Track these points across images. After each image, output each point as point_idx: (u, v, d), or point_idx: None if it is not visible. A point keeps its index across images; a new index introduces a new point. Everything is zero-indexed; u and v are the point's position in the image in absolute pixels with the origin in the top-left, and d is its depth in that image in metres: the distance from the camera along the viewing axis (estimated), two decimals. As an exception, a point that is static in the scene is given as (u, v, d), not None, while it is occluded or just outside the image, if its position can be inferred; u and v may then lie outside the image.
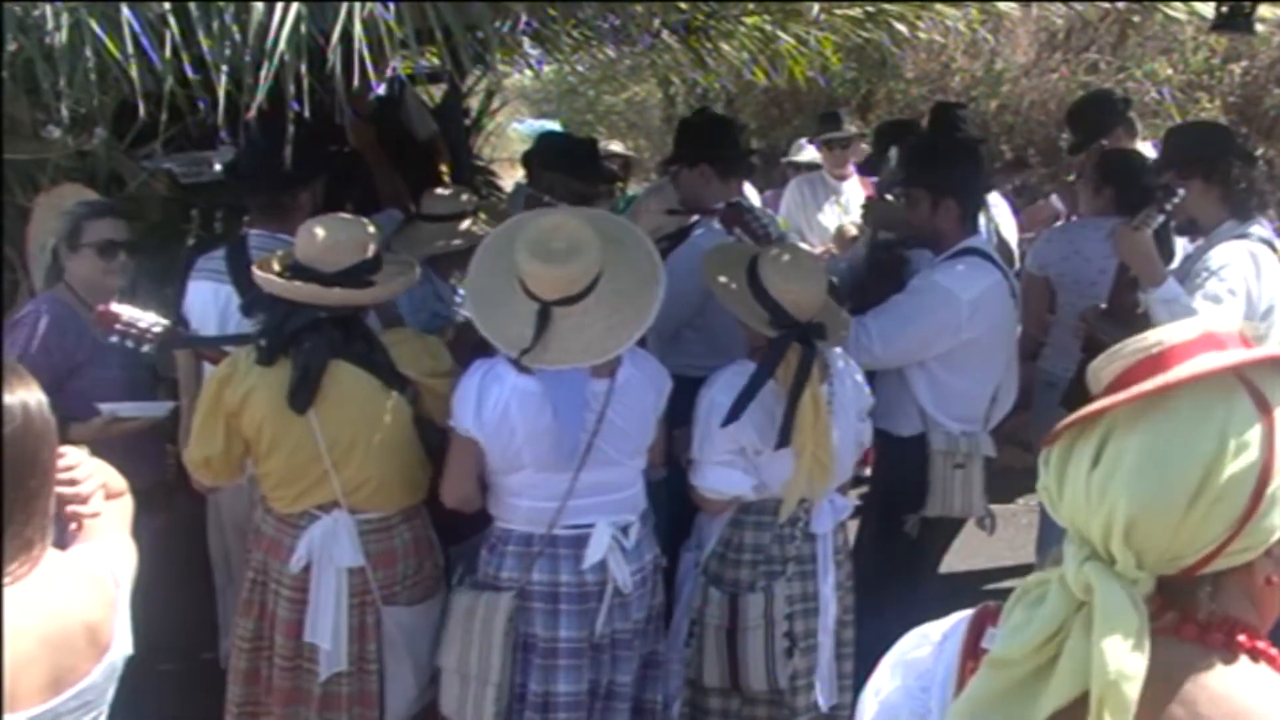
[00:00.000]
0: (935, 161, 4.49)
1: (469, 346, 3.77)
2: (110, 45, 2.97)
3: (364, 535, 3.52)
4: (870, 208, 5.36)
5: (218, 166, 5.06)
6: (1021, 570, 5.90)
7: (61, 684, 1.99)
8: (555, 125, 12.91)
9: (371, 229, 3.52)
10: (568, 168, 5.27)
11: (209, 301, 4.08)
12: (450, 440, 3.48)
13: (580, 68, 9.32)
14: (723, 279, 3.73)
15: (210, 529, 4.39)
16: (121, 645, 2.11)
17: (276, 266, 3.49)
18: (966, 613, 1.63)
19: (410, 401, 3.52)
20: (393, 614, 3.57)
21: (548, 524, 3.49)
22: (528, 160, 5.73)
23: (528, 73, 8.69)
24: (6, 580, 1.93)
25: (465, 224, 4.65)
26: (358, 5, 2.87)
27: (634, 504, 3.61)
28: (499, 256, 3.46)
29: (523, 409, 3.36)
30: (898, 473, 4.34)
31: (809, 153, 8.06)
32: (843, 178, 7.48)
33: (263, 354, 3.40)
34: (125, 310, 3.61)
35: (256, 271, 3.48)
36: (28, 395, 2.03)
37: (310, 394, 3.39)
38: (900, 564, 4.34)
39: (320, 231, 3.41)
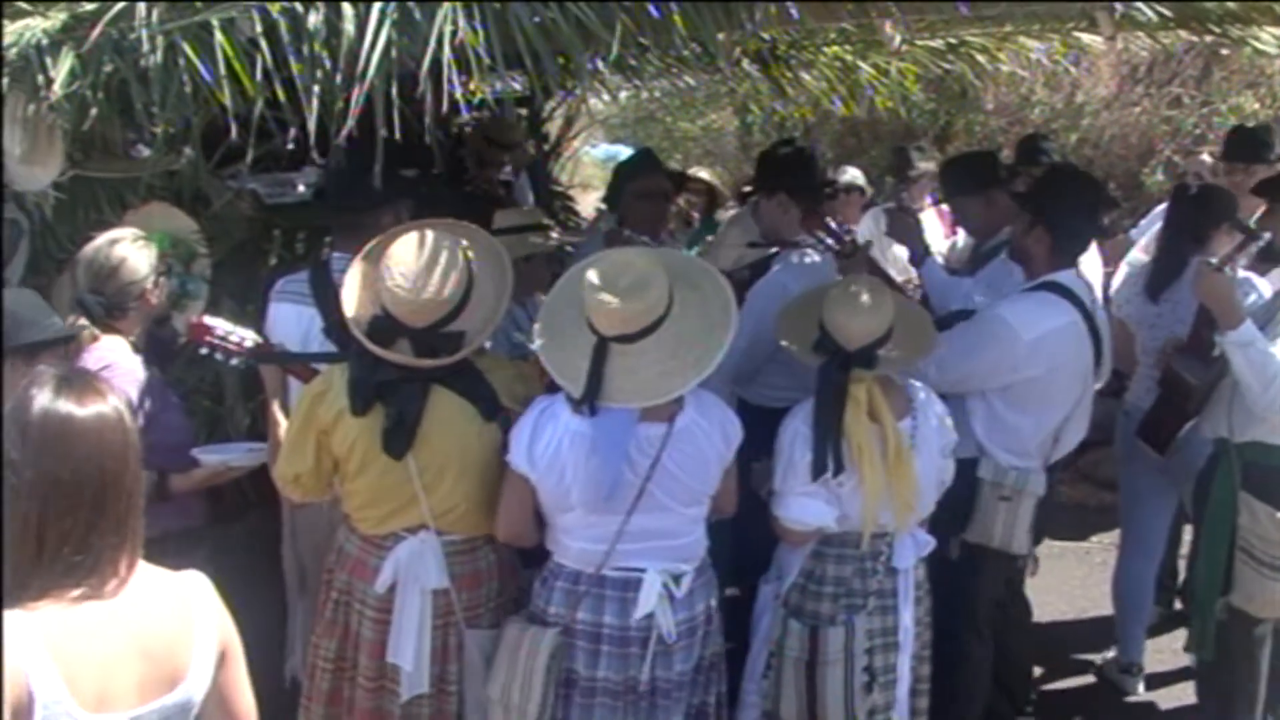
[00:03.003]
0: (1043, 188, 4.53)
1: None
2: (202, 68, 3.02)
3: (450, 557, 3.51)
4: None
5: (301, 188, 5.12)
6: (1094, 611, 5.83)
7: (148, 694, 1.99)
8: (628, 150, 12.92)
9: (459, 267, 3.39)
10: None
11: (291, 324, 4.09)
12: (505, 475, 3.46)
13: (658, 94, 9.34)
14: (799, 328, 3.75)
15: (285, 545, 4.41)
16: (197, 682, 2.08)
17: (362, 304, 3.46)
18: None
19: (501, 427, 3.48)
20: (475, 637, 3.56)
21: (596, 565, 3.45)
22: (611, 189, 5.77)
23: (604, 97, 8.71)
24: (95, 595, 1.93)
25: (533, 237, 4.66)
26: (448, 30, 2.89)
27: (688, 553, 3.54)
28: (574, 288, 3.44)
29: (573, 449, 3.32)
30: (946, 494, 4.28)
31: (850, 175, 7.97)
32: (918, 210, 7.43)
33: (355, 405, 3.37)
34: (218, 324, 3.64)
35: (351, 326, 3.45)
36: (103, 407, 2.00)
37: (405, 443, 3.38)
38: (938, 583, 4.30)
39: (409, 290, 3.30)
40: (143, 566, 2.07)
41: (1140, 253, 5.82)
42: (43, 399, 1.98)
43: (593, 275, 3.32)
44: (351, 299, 3.49)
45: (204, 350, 3.65)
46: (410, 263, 3.32)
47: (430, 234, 3.41)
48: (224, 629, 2.17)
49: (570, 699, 3.48)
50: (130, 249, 3.86)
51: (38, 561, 1.92)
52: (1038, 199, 4.38)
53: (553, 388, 3.50)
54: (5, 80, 3.21)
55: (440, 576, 3.49)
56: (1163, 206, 5.82)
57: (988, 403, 4.22)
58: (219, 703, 2.15)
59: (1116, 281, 5.65)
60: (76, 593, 1.94)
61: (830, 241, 4.65)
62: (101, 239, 3.87)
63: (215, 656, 2.13)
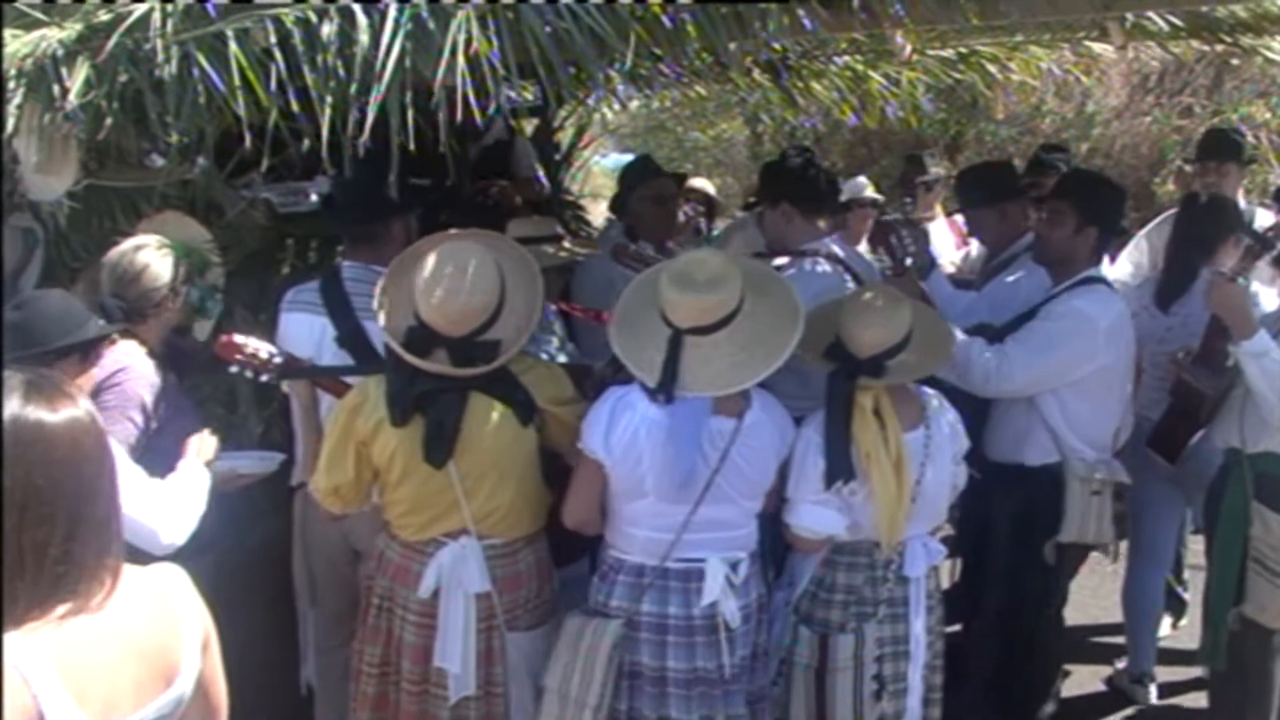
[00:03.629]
0: (1095, 188, 4.61)
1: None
2: (217, 79, 3.04)
3: (490, 560, 3.56)
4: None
5: (314, 197, 5.14)
6: (1105, 619, 5.81)
7: (146, 695, 1.96)
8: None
9: (493, 276, 3.44)
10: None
11: (304, 334, 4.09)
12: (578, 462, 3.53)
13: (668, 103, 9.35)
14: (805, 347, 3.74)
15: (295, 553, 4.42)
16: (189, 675, 2.05)
17: (396, 315, 3.49)
18: None
19: (537, 429, 3.56)
20: (514, 639, 3.61)
21: (661, 555, 3.53)
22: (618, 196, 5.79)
23: (614, 106, 8.73)
24: (84, 608, 1.88)
25: (549, 248, 4.67)
26: (461, 39, 2.90)
27: (745, 542, 3.63)
28: (648, 289, 3.56)
29: (650, 437, 3.41)
30: (1030, 503, 4.38)
31: (860, 186, 7.97)
32: (928, 219, 7.43)
33: (395, 416, 3.41)
34: (247, 341, 3.66)
35: (387, 337, 3.48)
36: (75, 411, 1.92)
37: (446, 451, 3.43)
38: (1038, 595, 4.46)
39: (445, 300, 3.36)
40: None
41: (1126, 263, 5.85)
42: (12, 405, 1.89)
43: (670, 272, 3.47)
44: (384, 310, 3.53)
45: (234, 368, 3.67)
46: (446, 272, 3.37)
47: (462, 244, 3.48)
48: (204, 617, 2.14)
49: (640, 690, 3.56)
50: (154, 256, 3.88)
51: (20, 575, 1.85)
52: (1089, 202, 4.44)
53: (583, 389, 3.60)
54: (20, 91, 3.23)
55: (483, 580, 3.53)
56: (1162, 216, 5.84)
57: (1060, 400, 4.31)
58: (201, 692, 2.11)
59: None
60: (64, 608, 1.87)
61: (887, 259, 4.66)
62: (126, 244, 3.89)
63: (200, 646, 2.09)
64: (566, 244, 4.77)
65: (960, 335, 4.26)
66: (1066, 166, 6.26)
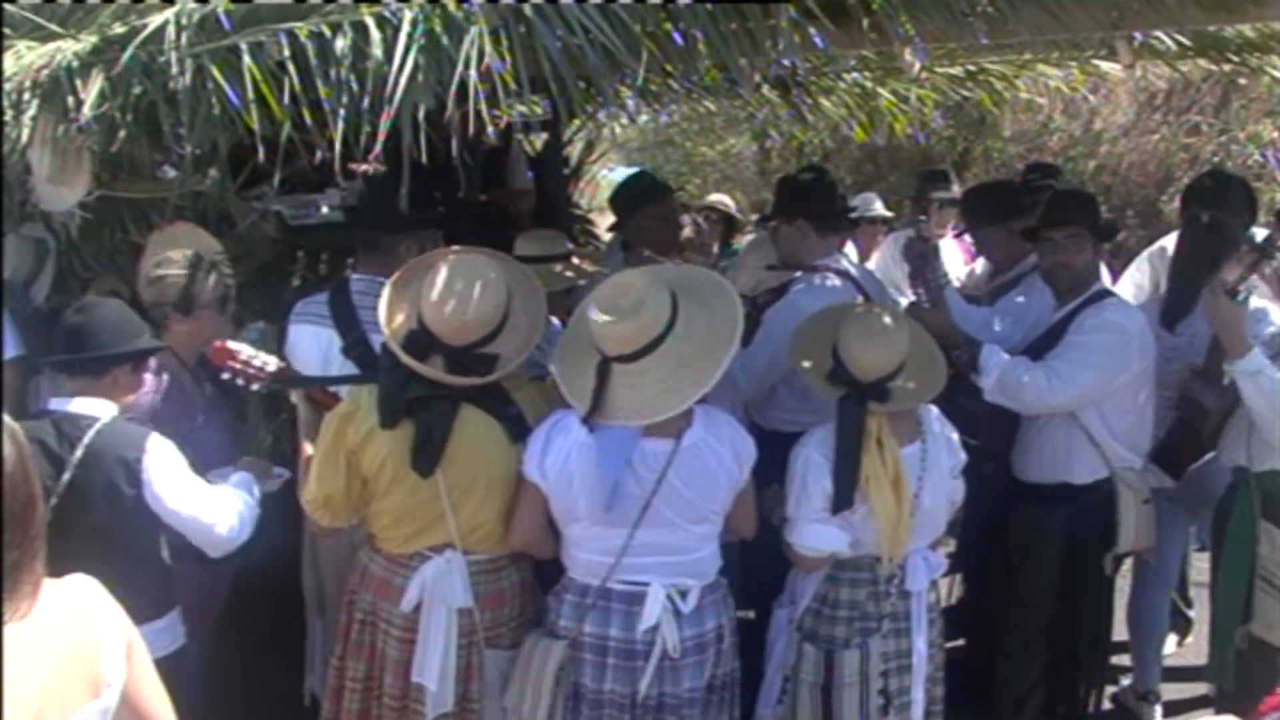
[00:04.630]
0: (1094, 208, 4.73)
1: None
2: (230, 92, 3.06)
3: (474, 576, 3.55)
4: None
5: (325, 209, 5.16)
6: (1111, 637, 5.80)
7: (71, 706, 1.92)
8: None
9: (501, 292, 3.48)
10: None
11: (311, 345, 4.11)
12: (520, 484, 3.52)
13: (677, 118, 9.36)
14: (806, 363, 3.76)
15: (304, 564, 4.43)
16: (113, 693, 2.01)
17: (399, 319, 3.52)
18: None
19: (525, 446, 3.55)
20: (494, 657, 3.60)
21: (602, 577, 3.50)
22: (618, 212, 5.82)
23: (623, 120, 8.76)
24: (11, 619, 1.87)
25: (558, 267, 4.69)
26: (474, 54, 2.92)
27: (695, 569, 3.56)
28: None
29: (581, 460, 3.39)
30: (1080, 519, 4.42)
31: (868, 202, 7.99)
32: (940, 237, 7.42)
33: (385, 416, 3.42)
34: (242, 348, 3.67)
35: (386, 337, 3.50)
36: (13, 432, 1.92)
37: (434, 459, 3.43)
38: (1094, 608, 4.56)
39: (450, 306, 3.39)
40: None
41: (1128, 284, 5.85)
42: None
43: (595, 297, 3.43)
44: (387, 312, 3.55)
45: (226, 375, 3.69)
46: (455, 282, 3.41)
47: (475, 258, 3.52)
48: (125, 627, 2.10)
49: (579, 711, 3.52)
50: (171, 268, 3.96)
51: None
52: (1095, 222, 4.58)
53: (565, 405, 3.56)
54: (35, 102, 3.25)
55: (465, 595, 3.52)
56: (1166, 238, 5.84)
57: (1102, 413, 4.36)
58: (128, 703, 2.07)
59: None
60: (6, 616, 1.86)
61: (921, 293, 4.66)
62: (165, 255, 3.96)
63: (124, 655, 2.06)
64: (575, 260, 4.78)
65: (1006, 357, 4.30)
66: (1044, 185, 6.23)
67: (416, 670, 3.51)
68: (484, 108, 2.92)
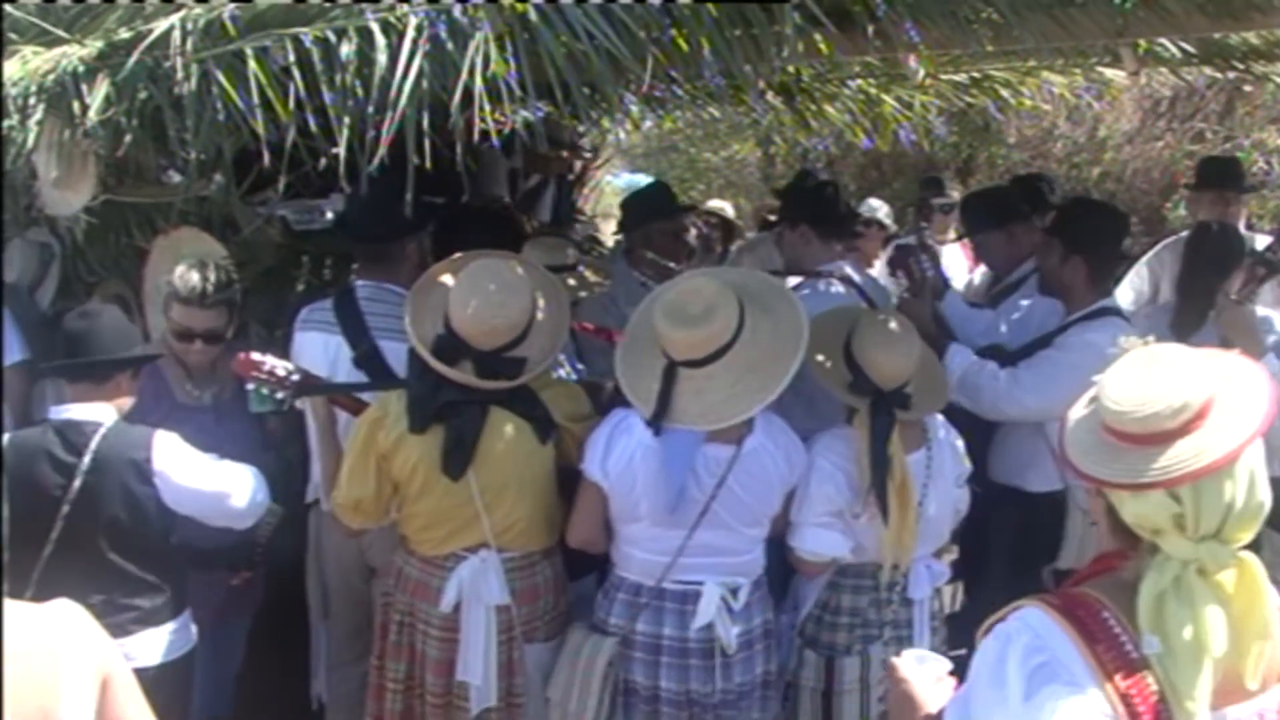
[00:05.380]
0: (1072, 219, 4.59)
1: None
2: (236, 96, 3.06)
3: (509, 573, 3.60)
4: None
5: (329, 214, 5.16)
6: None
7: None
8: (647, 179, 12.94)
9: (526, 295, 3.53)
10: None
11: (319, 353, 4.11)
12: (580, 484, 3.56)
13: (681, 124, 9.36)
14: (820, 356, 3.75)
15: (309, 568, 4.43)
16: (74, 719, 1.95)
17: (425, 325, 3.55)
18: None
19: (554, 444, 3.61)
20: (532, 651, 3.65)
21: (657, 577, 3.54)
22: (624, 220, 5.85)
23: (627, 126, 8.77)
24: None
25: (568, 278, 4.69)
26: (479, 60, 2.92)
27: (747, 568, 3.63)
28: (650, 315, 3.57)
29: (645, 462, 3.43)
30: (1029, 528, 4.40)
31: (872, 208, 7.98)
32: (943, 242, 7.43)
33: (415, 422, 3.46)
34: (265, 359, 3.68)
35: (415, 344, 3.53)
36: None
37: (465, 463, 3.47)
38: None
39: (479, 311, 3.43)
40: (6, 603, 1.94)
41: (1127, 289, 5.85)
42: None
43: (664, 302, 3.47)
44: (412, 318, 3.58)
45: (250, 385, 3.70)
46: (483, 286, 3.45)
47: (496, 262, 3.57)
48: (103, 657, 2.04)
49: (634, 707, 3.59)
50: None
51: None
52: (1071, 230, 4.43)
53: (599, 406, 3.64)
54: (40, 107, 3.25)
55: (502, 592, 3.57)
56: (1164, 243, 5.84)
57: None
58: None
59: None
60: None
61: (905, 281, 4.68)
62: (182, 266, 4.00)
63: (94, 689, 2.00)
64: (580, 269, 4.78)
65: (972, 357, 4.27)
66: (1052, 193, 6.23)
67: (461, 669, 3.56)
68: (489, 114, 2.92)
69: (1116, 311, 4.42)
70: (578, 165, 7.84)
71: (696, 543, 3.49)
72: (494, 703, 3.58)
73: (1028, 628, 2.01)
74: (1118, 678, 1.89)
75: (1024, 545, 4.41)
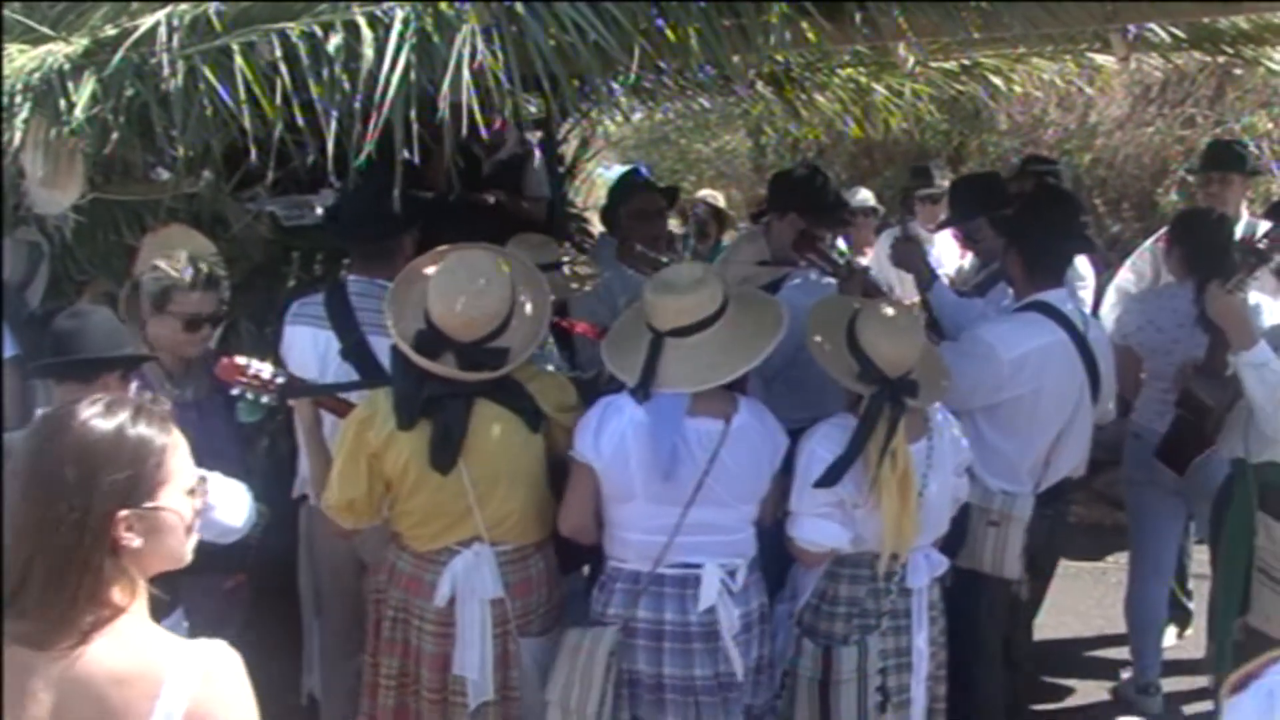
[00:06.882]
0: (1016, 210, 4.67)
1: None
2: (223, 92, 3.05)
3: (503, 566, 3.60)
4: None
5: (319, 210, 5.15)
6: (1111, 630, 5.81)
7: None
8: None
9: (505, 285, 3.52)
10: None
11: (308, 347, 4.11)
12: (571, 469, 3.57)
13: (671, 115, 9.35)
14: (818, 337, 3.74)
15: (301, 565, 4.43)
16: None
17: (406, 320, 3.54)
18: None
19: (544, 436, 3.62)
20: (526, 644, 3.65)
21: (655, 559, 3.55)
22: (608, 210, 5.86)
23: (618, 118, 8.76)
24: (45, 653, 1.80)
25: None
26: (466, 53, 2.91)
27: (741, 548, 3.65)
28: (638, 306, 3.67)
29: (637, 438, 3.46)
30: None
31: (862, 196, 7.97)
32: (933, 231, 7.42)
33: (402, 418, 3.46)
34: (250, 363, 3.68)
35: (396, 339, 3.52)
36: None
37: (453, 457, 3.47)
38: (966, 623, 4.25)
39: (458, 303, 3.43)
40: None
41: (1128, 273, 5.85)
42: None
43: (654, 279, 3.67)
44: (393, 314, 3.58)
45: (235, 390, 3.70)
46: (460, 278, 3.46)
47: (474, 254, 3.58)
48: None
49: (639, 697, 3.59)
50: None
51: None
52: (1009, 221, 4.47)
53: (591, 402, 3.63)
54: (27, 105, 3.24)
55: (496, 586, 3.58)
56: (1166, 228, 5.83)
57: (974, 425, 4.17)
58: None
59: (1105, 307, 5.68)
60: None
61: (824, 265, 4.66)
62: (162, 261, 3.98)
63: None
64: (565, 265, 4.79)
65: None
66: (1056, 179, 6.22)
67: (457, 663, 3.56)
68: (476, 107, 2.90)
69: (1045, 306, 4.27)
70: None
71: (693, 520, 3.51)
72: (490, 696, 3.58)
73: None
74: None
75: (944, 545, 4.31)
